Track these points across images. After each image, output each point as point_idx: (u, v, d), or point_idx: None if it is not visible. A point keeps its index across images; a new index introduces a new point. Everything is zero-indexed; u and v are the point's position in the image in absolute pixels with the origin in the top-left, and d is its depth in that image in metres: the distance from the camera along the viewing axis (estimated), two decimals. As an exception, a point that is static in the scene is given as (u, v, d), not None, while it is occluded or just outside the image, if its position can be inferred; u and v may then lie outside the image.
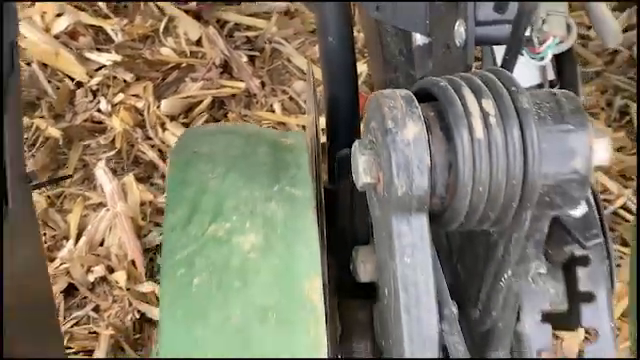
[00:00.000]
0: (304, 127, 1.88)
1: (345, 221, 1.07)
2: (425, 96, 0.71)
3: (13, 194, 0.89)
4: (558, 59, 0.96)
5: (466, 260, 0.82)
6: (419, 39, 1.03)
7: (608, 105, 2.06)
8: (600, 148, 0.71)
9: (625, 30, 2.17)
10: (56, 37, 2.09)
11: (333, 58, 1.17)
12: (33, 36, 2.06)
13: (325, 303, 0.77)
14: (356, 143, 0.71)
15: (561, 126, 0.69)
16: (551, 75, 0.96)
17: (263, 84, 2.06)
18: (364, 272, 0.89)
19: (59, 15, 2.11)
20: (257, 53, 2.11)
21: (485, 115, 0.67)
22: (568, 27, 0.91)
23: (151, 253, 1.78)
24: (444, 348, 0.69)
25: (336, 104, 1.18)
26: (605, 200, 1.88)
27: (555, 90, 0.72)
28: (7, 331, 0.85)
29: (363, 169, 0.70)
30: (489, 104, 0.68)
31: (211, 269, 0.70)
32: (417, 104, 0.69)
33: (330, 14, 1.17)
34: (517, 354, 0.86)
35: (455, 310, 0.71)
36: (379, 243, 0.73)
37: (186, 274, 0.70)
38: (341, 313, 1.02)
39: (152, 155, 1.93)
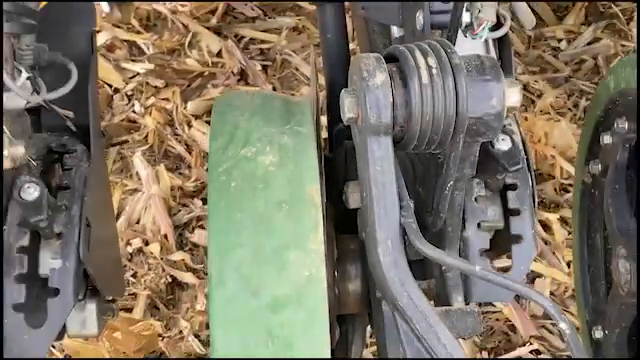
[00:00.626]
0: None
1: (340, 177, 1.38)
2: (391, 58, 1.03)
3: (95, 143, 1.20)
4: (499, 43, 1.28)
5: (425, 182, 1.13)
6: (396, 32, 1.34)
7: (574, 106, 2.36)
8: (512, 93, 1.02)
9: (590, 43, 2.50)
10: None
11: (331, 50, 1.50)
12: (77, 49, 2.38)
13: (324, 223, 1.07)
14: (342, 91, 1.03)
15: (483, 77, 1.00)
16: (494, 56, 1.27)
17: (275, 89, 2.38)
18: (353, 200, 1.19)
19: (98, 31, 2.44)
20: (269, 63, 2.43)
21: (429, 68, 0.99)
22: (504, 18, 1.23)
23: (180, 229, 2.09)
24: (403, 229, 1.00)
25: (334, 86, 1.49)
26: (570, 185, 2.18)
27: (479, 54, 1.03)
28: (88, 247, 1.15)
29: (347, 107, 1.01)
30: (432, 61, 0.99)
31: (243, 176, 1.01)
32: (384, 61, 1.00)
33: (329, 16, 1.49)
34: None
35: (412, 204, 1.02)
36: (359, 161, 1.03)
37: (226, 180, 1.01)
38: (338, 243, 1.34)
39: (180, 149, 2.24)
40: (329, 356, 0.97)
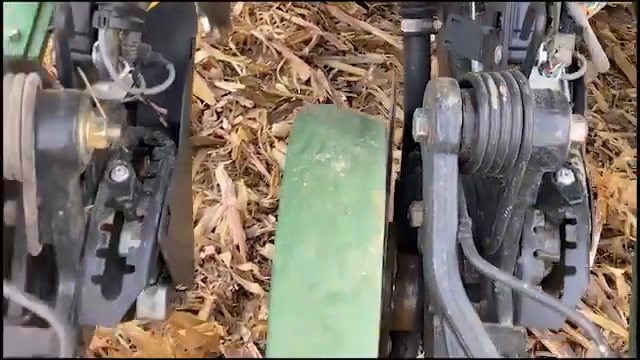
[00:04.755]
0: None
1: (408, 199, 1.45)
2: (466, 85, 1.09)
3: (183, 139, 1.30)
4: (574, 85, 1.33)
5: (486, 207, 1.18)
6: (476, 67, 1.40)
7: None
8: (577, 127, 1.07)
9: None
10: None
11: (413, 82, 1.57)
12: (175, 64, 2.52)
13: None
14: (416, 110, 1.10)
15: (550, 109, 1.06)
16: (568, 96, 1.32)
17: (357, 120, 2.46)
18: (416, 218, 1.25)
19: (197, 49, 2.58)
20: (355, 95, 2.52)
21: (500, 96, 1.05)
22: (580, 62, 1.28)
23: (252, 241, 2.18)
24: (460, 244, 1.05)
25: (412, 116, 1.56)
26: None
27: (551, 89, 1.09)
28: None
29: (419, 126, 1.08)
30: (504, 89, 1.05)
31: (315, 179, 1.09)
32: (457, 85, 1.07)
33: (414, 48, 1.57)
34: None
35: (470, 221, 1.07)
36: (425, 176, 1.09)
37: (298, 180, 1.09)
38: (399, 261, 1.40)
39: (261, 167, 2.34)
40: (376, 352, 1.03)
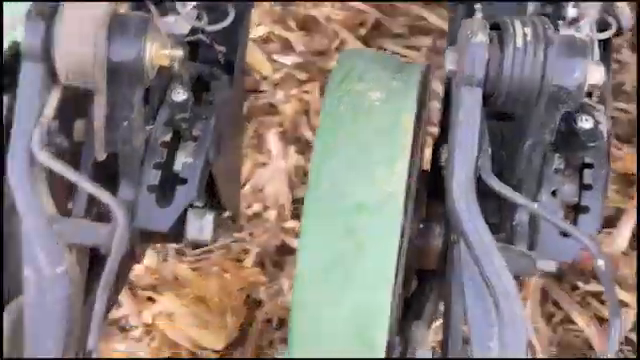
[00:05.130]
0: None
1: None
2: (496, 27, 1.20)
3: (237, 74, 1.43)
4: (603, 46, 1.42)
5: (508, 147, 1.28)
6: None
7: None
8: (595, 70, 1.17)
9: None
10: (253, 40, 2.68)
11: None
12: (237, 37, 2.66)
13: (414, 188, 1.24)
14: (448, 47, 1.21)
15: (571, 51, 1.16)
16: (597, 57, 1.41)
17: (406, 99, 2.57)
18: (444, 158, 1.36)
19: (258, 25, 2.72)
20: (406, 75, 2.63)
21: (525, 36, 1.15)
22: (610, 25, 1.38)
23: (297, 202, 2.30)
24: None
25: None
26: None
27: (574, 34, 1.19)
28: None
29: (449, 61, 1.19)
30: (528, 31, 1.16)
31: (351, 104, 1.21)
32: (487, 25, 1.17)
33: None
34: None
35: (489, 150, 1.18)
36: (452, 109, 1.20)
37: (336, 105, 1.21)
38: (428, 205, 1.50)
39: (310, 136, 2.46)
40: (394, 262, 1.14)
